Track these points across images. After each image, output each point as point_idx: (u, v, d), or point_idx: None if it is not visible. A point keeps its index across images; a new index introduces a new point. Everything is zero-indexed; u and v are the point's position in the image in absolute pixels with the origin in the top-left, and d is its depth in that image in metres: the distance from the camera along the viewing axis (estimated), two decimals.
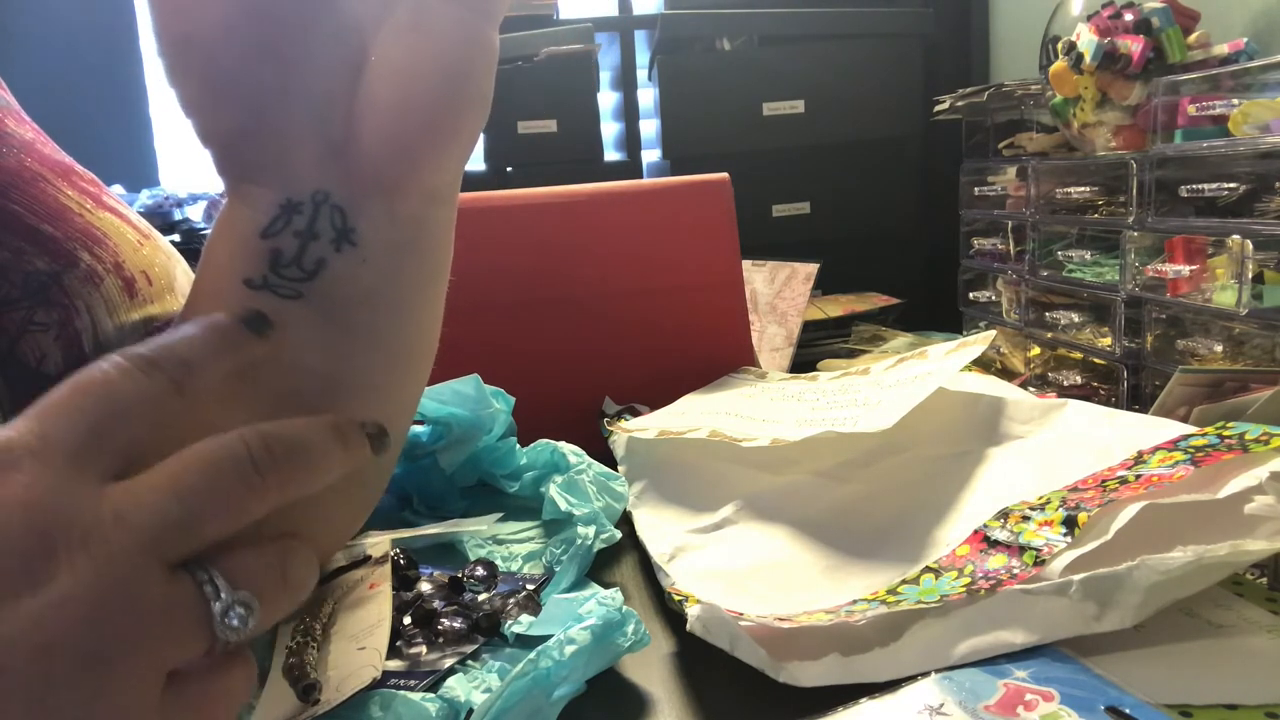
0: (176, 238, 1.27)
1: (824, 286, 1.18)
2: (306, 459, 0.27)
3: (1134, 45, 0.75)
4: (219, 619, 0.24)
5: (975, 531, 0.42)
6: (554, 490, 0.54)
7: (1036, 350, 0.91)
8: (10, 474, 0.23)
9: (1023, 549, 0.38)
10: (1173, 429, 0.45)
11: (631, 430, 0.60)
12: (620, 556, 0.53)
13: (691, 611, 0.38)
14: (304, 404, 0.33)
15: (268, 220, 0.32)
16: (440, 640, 0.42)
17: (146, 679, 0.23)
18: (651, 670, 0.40)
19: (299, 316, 0.33)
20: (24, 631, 0.22)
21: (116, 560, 0.23)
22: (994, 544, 0.40)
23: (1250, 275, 0.61)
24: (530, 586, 0.46)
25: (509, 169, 1.34)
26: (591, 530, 0.49)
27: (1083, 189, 0.83)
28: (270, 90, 0.31)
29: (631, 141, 1.51)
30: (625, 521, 0.53)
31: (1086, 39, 0.78)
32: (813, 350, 1.01)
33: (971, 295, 1.07)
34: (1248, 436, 0.40)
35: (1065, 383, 0.83)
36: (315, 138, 0.32)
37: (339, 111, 0.32)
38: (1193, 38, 0.76)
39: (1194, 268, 0.67)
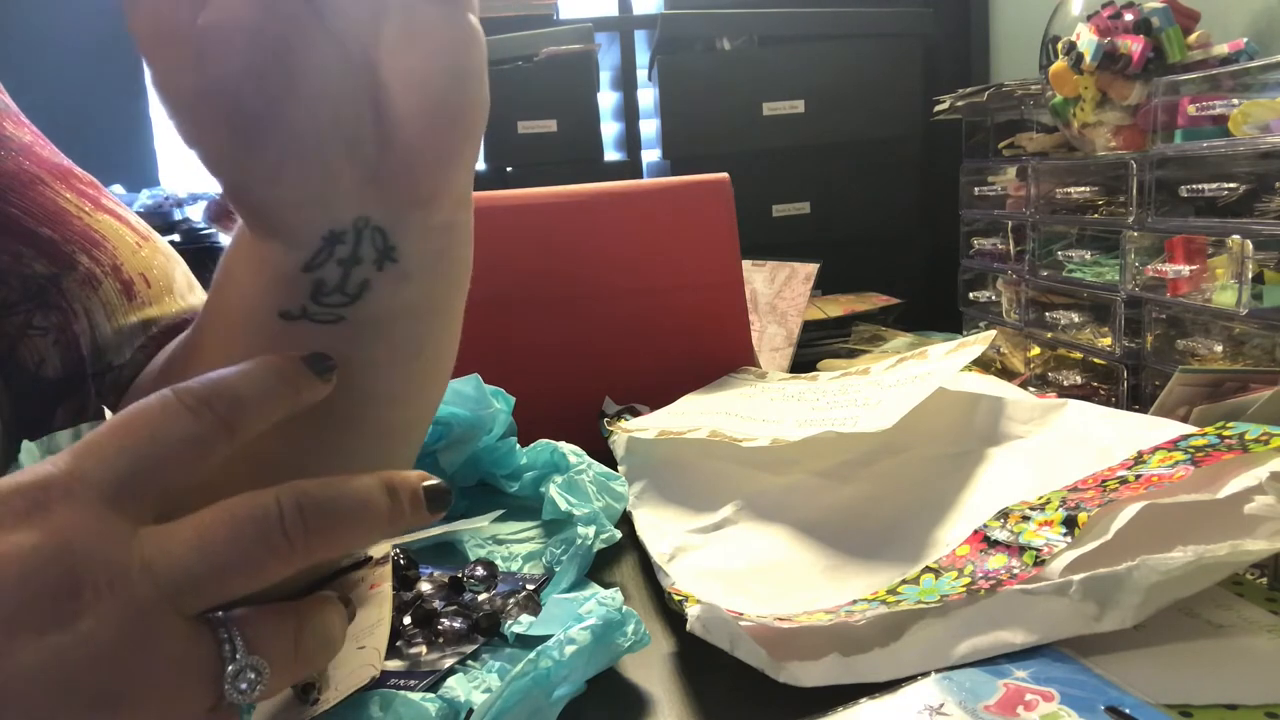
0: (176, 238, 1.27)
1: (824, 286, 1.18)
2: (342, 523, 0.27)
3: (1134, 45, 0.75)
4: (230, 679, 0.25)
5: (975, 531, 0.42)
6: (554, 490, 0.54)
7: (1036, 350, 0.91)
8: (46, 513, 0.24)
9: (1023, 549, 0.38)
10: (1173, 429, 0.45)
11: (631, 430, 0.60)
12: (620, 556, 0.53)
13: (691, 611, 0.38)
14: (338, 420, 0.33)
15: (310, 255, 0.31)
16: (440, 640, 0.42)
17: None
18: (651, 670, 0.40)
19: (338, 339, 0.32)
20: (44, 665, 0.22)
21: (140, 607, 0.23)
22: (994, 544, 0.40)
23: (1250, 275, 0.61)
24: (530, 586, 0.46)
25: (509, 169, 1.34)
26: (591, 530, 0.49)
27: (1083, 189, 0.83)
28: (299, 124, 0.30)
29: (631, 141, 1.51)
30: (625, 521, 0.53)
31: (1086, 39, 0.78)
32: (813, 350, 1.01)
33: (971, 295, 1.07)
34: (1248, 436, 0.40)
35: (1065, 383, 0.83)
36: (349, 165, 0.31)
37: (366, 135, 0.31)
38: (1193, 38, 0.76)
39: (1194, 268, 0.67)
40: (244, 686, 0.25)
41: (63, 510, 0.24)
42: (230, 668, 0.25)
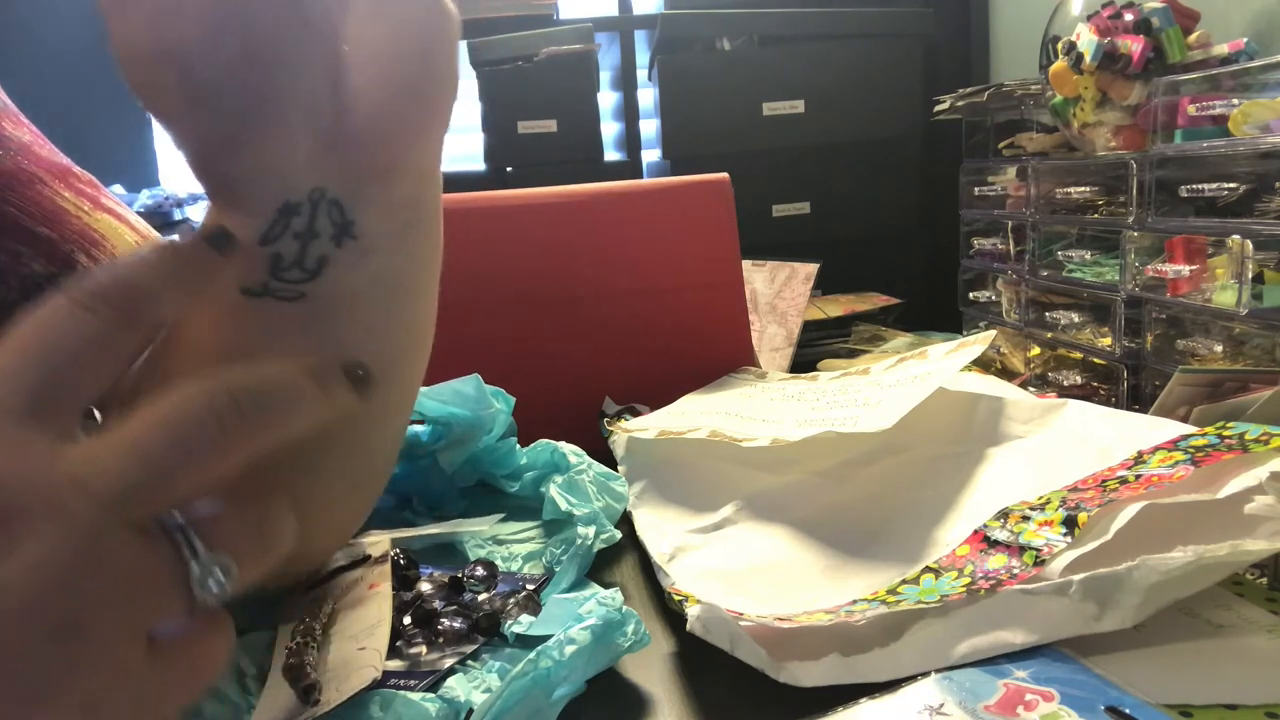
0: (176, 238, 1.27)
1: (824, 286, 1.18)
2: (278, 408, 0.26)
3: (1134, 45, 0.75)
4: (197, 581, 0.23)
5: (975, 531, 0.42)
6: (554, 490, 0.54)
7: (1036, 350, 0.91)
8: None
9: (1023, 549, 0.38)
10: (1173, 429, 0.45)
11: (631, 430, 0.60)
12: (620, 556, 0.53)
13: (691, 611, 0.38)
14: None
15: (266, 226, 0.32)
16: (440, 640, 0.42)
17: (124, 643, 0.23)
18: (651, 670, 0.40)
19: (301, 317, 0.33)
20: None
21: (81, 526, 0.22)
22: (994, 544, 0.40)
23: (1250, 275, 0.61)
24: (530, 586, 0.46)
25: (509, 169, 1.34)
26: (591, 530, 0.49)
27: (1083, 189, 0.83)
28: (255, 95, 0.30)
29: (631, 141, 1.51)
30: (625, 521, 0.53)
31: (1086, 39, 0.78)
32: (813, 350, 1.01)
33: (971, 295, 1.07)
34: (1248, 436, 0.40)
35: (1065, 383, 0.83)
36: (305, 135, 0.32)
37: (324, 106, 0.32)
38: (1193, 38, 0.76)
39: (1194, 268, 0.67)
40: (212, 586, 0.24)
41: None
42: (195, 568, 0.23)
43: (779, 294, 0.99)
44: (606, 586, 0.45)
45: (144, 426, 0.24)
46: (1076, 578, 0.35)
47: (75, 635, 0.22)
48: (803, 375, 0.71)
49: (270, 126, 0.31)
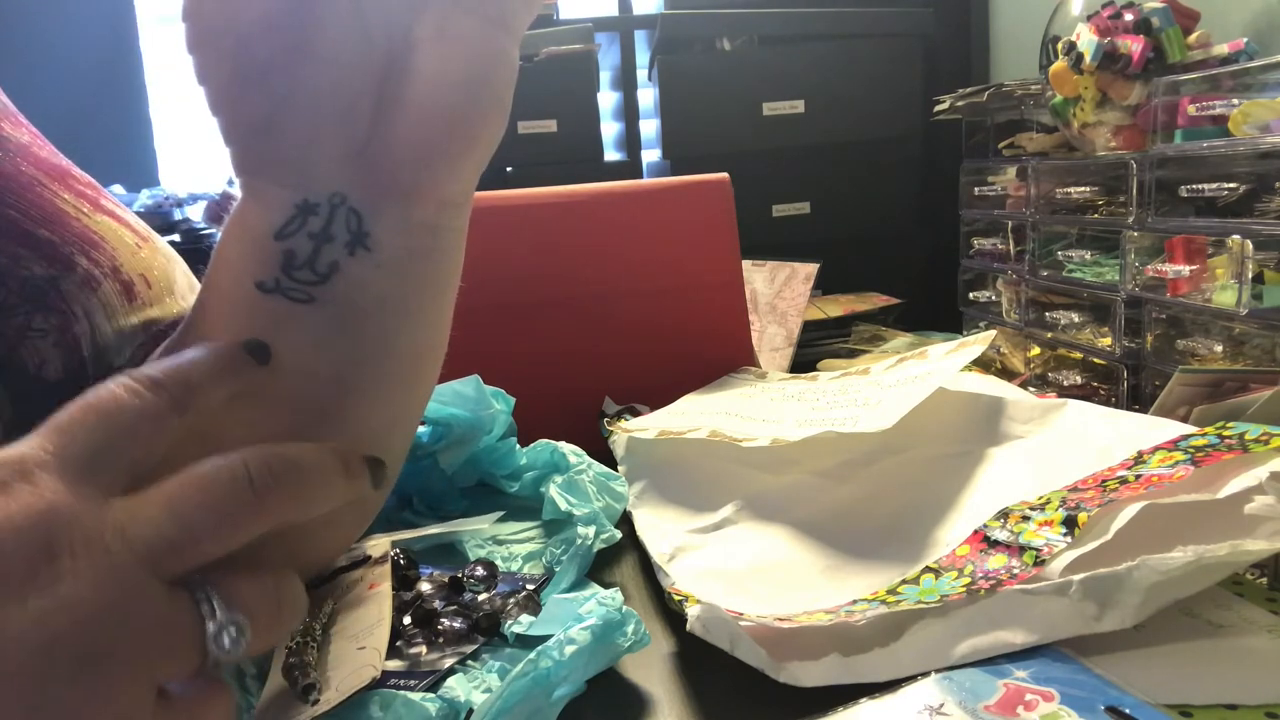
0: (176, 238, 1.27)
1: (824, 286, 1.18)
2: (306, 482, 0.28)
3: (1134, 45, 0.75)
4: (212, 638, 0.25)
5: (975, 531, 0.42)
6: (554, 490, 0.54)
7: (1036, 350, 0.91)
8: (22, 485, 0.24)
9: (1023, 549, 0.38)
10: (1173, 429, 0.45)
11: (631, 430, 0.60)
12: (620, 556, 0.53)
13: (691, 611, 0.38)
14: (311, 409, 0.34)
15: (283, 221, 0.32)
16: (440, 640, 0.42)
17: (139, 687, 0.24)
18: (651, 670, 0.40)
19: (309, 321, 0.33)
20: (25, 631, 0.22)
21: (117, 570, 0.24)
22: (994, 544, 0.40)
23: (1250, 275, 0.61)
24: (530, 586, 0.46)
25: (509, 169, 1.34)
26: (591, 530, 0.49)
27: (1083, 189, 0.83)
28: (298, 84, 0.31)
29: (631, 141, 1.51)
30: (625, 521, 0.53)
31: (1086, 39, 0.78)
32: (813, 350, 1.01)
33: (971, 295, 1.07)
34: (1248, 436, 0.40)
35: (1065, 383, 0.83)
36: (337, 138, 0.32)
37: (362, 114, 0.32)
38: (1193, 38, 0.76)
39: (1194, 268, 0.67)
40: (226, 644, 0.25)
41: (38, 483, 0.24)
42: (210, 626, 0.25)
43: (779, 294, 0.99)
44: (606, 586, 0.45)
45: (182, 486, 0.26)
46: (1076, 578, 0.35)
47: (95, 672, 0.23)
48: (803, 375, 0.71)
49: (305, 119, 0.32)
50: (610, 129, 1.51)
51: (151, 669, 0.24)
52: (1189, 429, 0.44)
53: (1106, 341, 0.78)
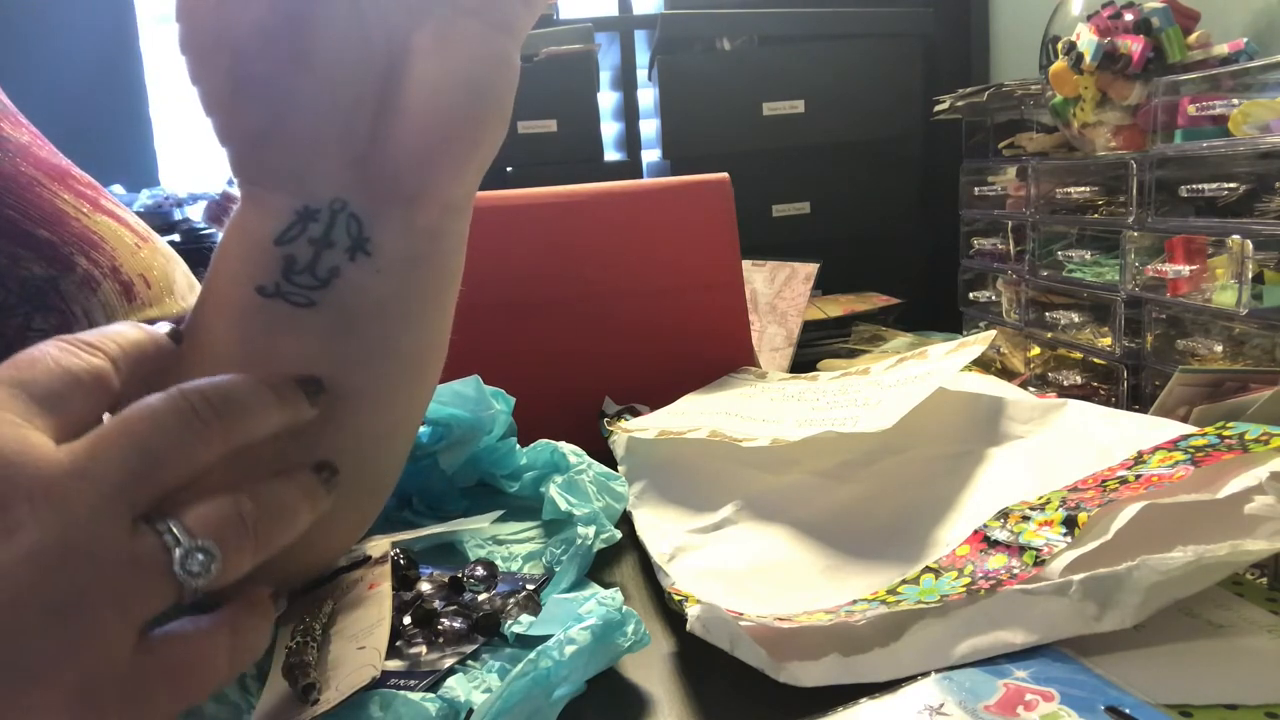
0: (176, 238, 1.27)
1: (824, 286, 1.18)
2: (244, 408, 0.28)
3: (1134, 45, 0.75)
4: (179, 563, 0.25)
5: (975, 531, 0.42)
6: (554, 490, 0.53)
7: (1036, 350, 0.91)
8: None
9: (1023, 549, 0.38)
10: (1173, 429, 0.45)
11: (631, 430, 0.60)
12: (620, 556, 0.53)
13: (691, 611, 0.38)
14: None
15: (283, 227, 0.32)
16: (440, 640, 0.42)
17: (117, 627, 0.24)
18: (651, 670, 0.40)
19: (310, 325, 0.33)
20: None
21: (81, 513, 0.24)
22: (994, 544, 0.40)
23: (1250, 275, 0.61)
24: (530, 586, 0.46)
25: (509, 169, 1.34)
26: (591, 530, 0.49)
27: (1083, 189, 0.83)
28: (297, 94, 0.31)
29: (631, 141, 1.51)
30: (625, 521, 0.53)
31: (1086, 39, 0.78)
32: (813, 350, 1.01)
33: (971, 295, 1.07)
34: (1248, 436, 0.40)
35: (1065, 383, 0.83)
36: (337, 145, 0.32)
37: (363, 120, 0.32)
38: (1193, 38, 0.76)
39: (1194, 268, 0.67)
40: (195, 569, 0.25)
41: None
42: (177, 552, 0.25)
43: (779, 294, 0.99)
44: (606, 586, 0.45)
45: (130, 422, 0.26)
46: (1076, 578, 0.35)
47: (68, 618, 0.23)
48: (803, 375, 0.71)
49: (304, 129, 0.32)
50: (610, 129, 1.51)
51: (125, 608, 0.24)
52: (1189, 429, 0.44)
53: (1106, 341, 0.78)
